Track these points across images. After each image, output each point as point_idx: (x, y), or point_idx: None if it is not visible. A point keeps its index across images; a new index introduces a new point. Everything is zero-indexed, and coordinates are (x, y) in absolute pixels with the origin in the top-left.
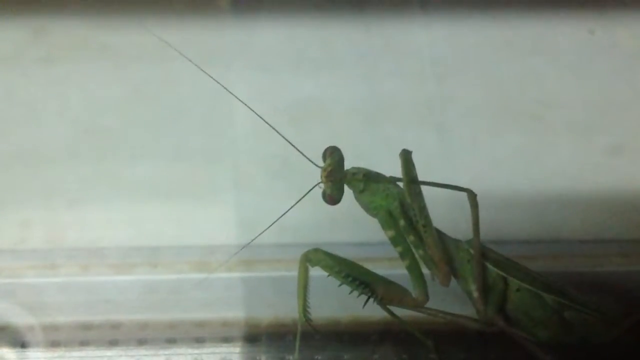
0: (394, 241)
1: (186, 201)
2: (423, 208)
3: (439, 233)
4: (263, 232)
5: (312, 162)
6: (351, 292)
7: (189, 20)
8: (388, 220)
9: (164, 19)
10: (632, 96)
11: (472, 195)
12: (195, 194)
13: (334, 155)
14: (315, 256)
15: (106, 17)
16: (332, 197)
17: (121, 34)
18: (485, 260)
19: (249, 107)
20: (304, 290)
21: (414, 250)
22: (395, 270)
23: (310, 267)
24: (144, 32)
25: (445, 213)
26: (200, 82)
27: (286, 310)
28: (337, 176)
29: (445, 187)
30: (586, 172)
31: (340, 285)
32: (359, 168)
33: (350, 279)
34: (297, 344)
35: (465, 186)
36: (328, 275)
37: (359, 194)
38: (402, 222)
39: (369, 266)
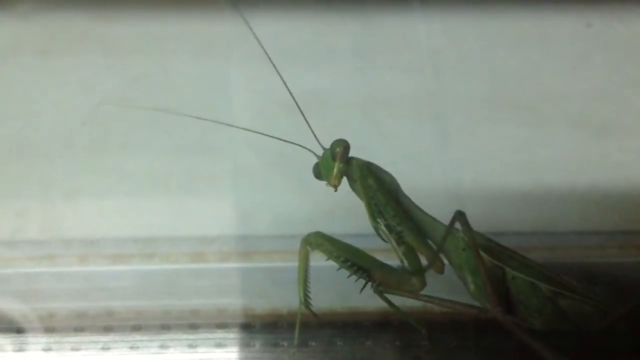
0: (389, 229)
1: (185, 193)
2: (394, 216)
3: (433, 222)
4: None
5: (321, 145)
6: (349, 276)
7: (187, 10)
8: None
9: (162, 9)
10: (627, 87)
11: (461, 215)
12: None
13: (344, 142)
14: (315, 240)
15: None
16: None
17: (119, 26)
18: (481, 249)
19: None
20: (305, 274)
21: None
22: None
23: (310, 250)
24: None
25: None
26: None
27: (281, 300)
28: (347, 158)
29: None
30: (581, 163)
31: (338, 269)
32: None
33: (349, 263)
34: (298, 327)
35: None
36: (327, 259)
37: (356, 182)
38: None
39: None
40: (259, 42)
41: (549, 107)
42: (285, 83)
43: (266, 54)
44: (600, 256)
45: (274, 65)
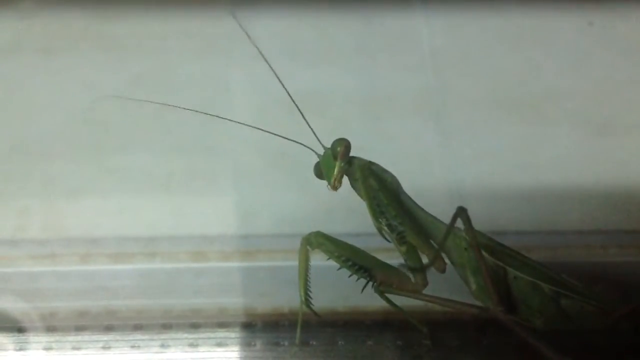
0: (391, 229)
1: (186, 191)
2: (396, 216)
3: (434, 221)
4: None
5: (322, 144)
6: (350, 275)
7: (188, 9)
8: None
9: (163, 8)
10: (628, 85)
11: (463, 212)
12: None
13: (345, 141)
14: (316, 239)
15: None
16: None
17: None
18: (483, 249)
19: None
20: (305, 273)
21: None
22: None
23: (310, 250)
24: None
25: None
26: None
27: (282, 299)
28: (348, 157)
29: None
30: (582, 162)
31: (339, 269)
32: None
33: (350, 263)
34: (299, 326)
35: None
36: (328, 259)
37: (358, 181)
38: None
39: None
40: (254, 44)
41: (550, 105)
42: (281, 82)
43: (261, 54)
44: (602, 255)
45: (269, 64)
